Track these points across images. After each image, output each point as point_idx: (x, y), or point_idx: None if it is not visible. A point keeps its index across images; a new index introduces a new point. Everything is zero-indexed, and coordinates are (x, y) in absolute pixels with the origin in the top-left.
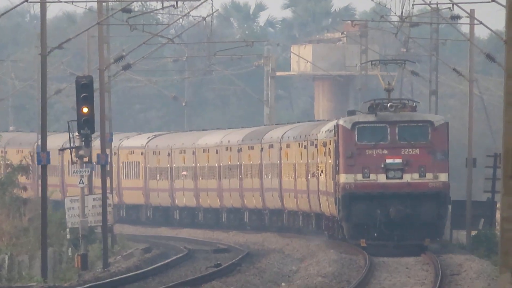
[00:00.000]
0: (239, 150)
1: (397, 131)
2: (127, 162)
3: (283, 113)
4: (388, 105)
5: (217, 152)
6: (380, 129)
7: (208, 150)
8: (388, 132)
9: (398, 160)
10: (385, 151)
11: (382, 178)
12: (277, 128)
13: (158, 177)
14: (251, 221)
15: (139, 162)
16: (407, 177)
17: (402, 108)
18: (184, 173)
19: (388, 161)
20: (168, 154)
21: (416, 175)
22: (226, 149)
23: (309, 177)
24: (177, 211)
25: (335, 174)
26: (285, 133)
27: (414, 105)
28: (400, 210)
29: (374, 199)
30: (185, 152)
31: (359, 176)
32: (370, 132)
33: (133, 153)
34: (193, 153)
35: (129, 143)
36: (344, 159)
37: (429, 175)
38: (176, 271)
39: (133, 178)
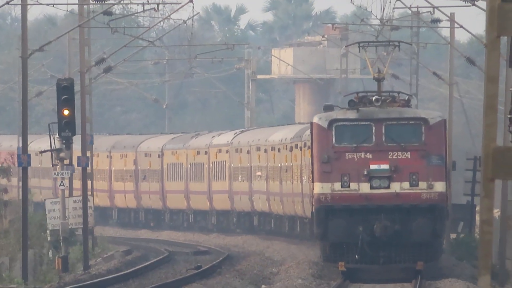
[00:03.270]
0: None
1: (383, 131)
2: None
3: (264, 116)
4: (373, 98)
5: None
6: (363, 128)
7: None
8: (373, 131)
9: (385, 166)
10: (369, 155)
11: (365, 187)
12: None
13: (240, 178)
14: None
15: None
16: (396, 187)
17: (390, 103)
18: (259, 173)
19: (373, 167)
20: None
21: (406, 184)
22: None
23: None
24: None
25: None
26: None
27: (406, 98)
28: (386, 226)
29: (355, 214)
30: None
31: (337, 186)
32: (350, 131)
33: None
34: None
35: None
36: (319, 165)
37: (423, 184)
38: (156, 273)
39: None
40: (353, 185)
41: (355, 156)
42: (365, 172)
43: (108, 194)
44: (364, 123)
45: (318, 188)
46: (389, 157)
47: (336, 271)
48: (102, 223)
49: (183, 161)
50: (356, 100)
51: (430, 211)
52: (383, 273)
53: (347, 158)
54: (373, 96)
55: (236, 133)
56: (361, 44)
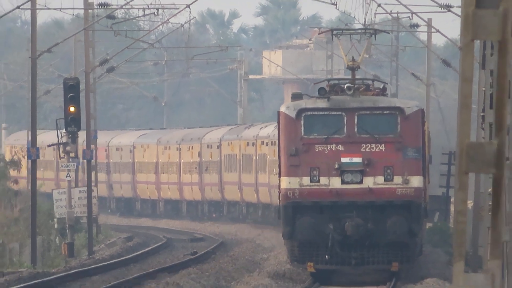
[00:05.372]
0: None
1: (356, 121)
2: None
3: (256, 114)
4: (345, 86)
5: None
6: (334, 119)
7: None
8: (345, 122)
9: (357, 159)
10: (341, 147)
11: (336, 182)
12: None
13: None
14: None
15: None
16: (369, 181)
17: (364, 91)
18: None
19: (344, 160)
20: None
21: (380, 179)
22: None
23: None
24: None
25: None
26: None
27: (382, 86)
28: (359, 224)
29: (325, 211)
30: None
31: (306, 180)
32: (320, 122)
33: (249, 144)
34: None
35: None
36: (286, 158)
37: (398, 179)
38: (156, 258)
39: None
40: (323, 180)
41: (326, 149)
42: (336, 166)
43: (178, 187)
44: (335, 113)
45: (285, 183)
46: (362, 149)
47: (305, 272)
48: (173, 216)
49: (236, 152)
50: (327, 89)
51: (405, 208)
52: (355, 275)
53: (316, 150)
54: (345, 83)
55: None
56: (334, 32)
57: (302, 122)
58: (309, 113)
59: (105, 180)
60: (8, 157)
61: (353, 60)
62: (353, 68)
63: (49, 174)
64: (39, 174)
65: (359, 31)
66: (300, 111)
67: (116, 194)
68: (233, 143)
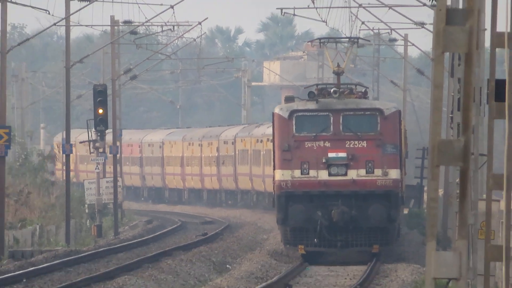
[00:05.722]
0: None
1: (341, 121)
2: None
3: (257, 115)
4: (332, 90)
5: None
6: (322, 119)
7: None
8: (331, 121)
9: (342, 154)
10: (328, 144)
11: (323, 174)
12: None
13: None
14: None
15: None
16: (353, 174)
17: (348, 95)
18: None
19: (331, 155)
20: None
21: (362, 171)
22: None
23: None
24: None
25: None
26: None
27: (364, 90)
28: (344, 212)
29: (314, 199)
30: None
31: (297, 173)
32: (310, 121)
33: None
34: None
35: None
36: (280, 153)
37: (378, 171)
38: (172, 238)
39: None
40: (312, 172)
41: (314, 145)
42: (324, 160)
43: (200, 178)
44: (322, 113)
45: (279, 175)
46: (346, 145)
47: (289, 260)
48: (194, 202)
49: (248, 147)
50: (315, 92)
51: (385, 197)
52: (340, 256)
53: (306, 146)
54: (332, 88)
55: None
56: (322, 40)
57: (294, 122)
58: (300, 113)
59: (139, 172)
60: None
61: (338, 66)
62: (338, 73)
63: (84, 167)
64: (79, 167)
65: (343, 39)
66: (292, 112)
67: (148, 184)
68: (245, 140)
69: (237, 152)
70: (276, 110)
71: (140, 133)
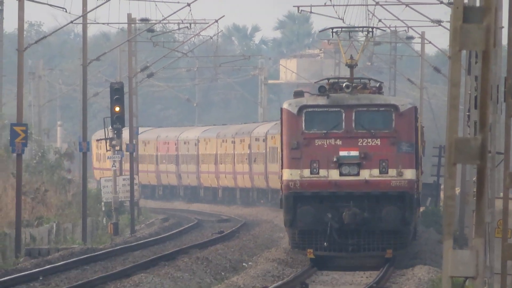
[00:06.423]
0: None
1: (353, 117)
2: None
3: (274, 113)
4: (344, 85)
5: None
6: (333, 115)
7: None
8: (343, 118)
9: (355, 153)
10: (339, 142)
11: (334, 174)
12: None
13: None
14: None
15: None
16: (365, 174)
17: (361, 89)
18: None
19: (342, 153)
20: None
21: (376, 171)
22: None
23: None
24: None
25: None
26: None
27: (378, 85)
28: (355, 214)
29: (324, 200)
30: None
31: (306, 172)
32: (320, 118)
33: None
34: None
35: None
36: (288, 151)
37: (392, 172)
38: (188, 236)
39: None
40: (323, 172)
41: (325, 143)
42: (335, 159)
43: (233, 176)
44: (334, 109)
45: (287, 174)
46: (359, 144)
47: (305, 258)
48: (228, 203)
49: (278, 145)
50: (327, 87)
51: (399, 199)
52: (352, 261)
53: (316, 144)
54: (344, 82)
55: None
56: (334, 30)
57: (303, 118)
58: (309, 109)
59: (175, 171)
60: (94, 151)
61: (351, 58)
62: (351, 66)
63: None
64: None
65: (357, 29)
66: (302, 108)
67: (184, 183)
68: (276, 137)
69: (268, 150)
70: (285, 106)
71: (176, 130)
